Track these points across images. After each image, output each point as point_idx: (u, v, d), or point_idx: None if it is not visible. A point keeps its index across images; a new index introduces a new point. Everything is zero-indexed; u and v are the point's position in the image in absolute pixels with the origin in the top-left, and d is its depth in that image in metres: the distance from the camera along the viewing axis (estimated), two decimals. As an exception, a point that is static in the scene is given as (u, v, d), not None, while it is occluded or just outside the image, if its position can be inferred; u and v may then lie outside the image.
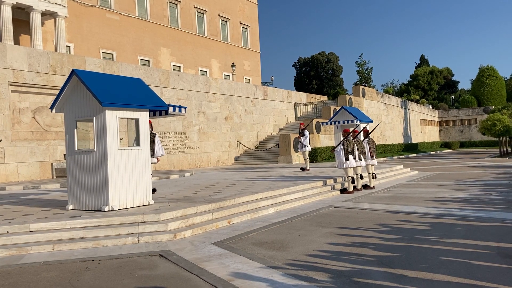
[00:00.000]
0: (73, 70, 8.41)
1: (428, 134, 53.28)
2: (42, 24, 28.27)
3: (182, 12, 39.69)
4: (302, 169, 17.71)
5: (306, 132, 18.10)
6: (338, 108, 23.15)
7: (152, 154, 11.63)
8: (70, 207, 8.69)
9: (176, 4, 39.15)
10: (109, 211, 8.11)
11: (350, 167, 12.43)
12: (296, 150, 23.39)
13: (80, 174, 8.58)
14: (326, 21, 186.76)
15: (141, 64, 34.49)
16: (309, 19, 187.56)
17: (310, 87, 68.00)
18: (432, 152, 43.03)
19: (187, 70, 39.27)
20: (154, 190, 11.82)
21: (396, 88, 74.75)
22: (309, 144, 18.31)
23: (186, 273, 5.34)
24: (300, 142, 18.09)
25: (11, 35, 25.11)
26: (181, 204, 8.81)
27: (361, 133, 14.12)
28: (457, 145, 52.01)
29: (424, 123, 52.09)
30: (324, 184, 12.91)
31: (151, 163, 11.70)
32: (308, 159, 17.95)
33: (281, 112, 31.81)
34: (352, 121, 17.88)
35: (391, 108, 41.67)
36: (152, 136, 11.76)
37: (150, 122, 11.95)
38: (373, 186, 13.62)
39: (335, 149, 12.63)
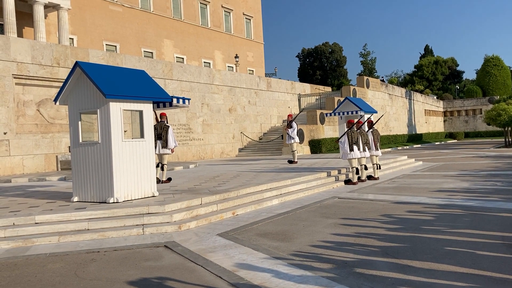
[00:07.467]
0: (76, 62, 8.40)
1: (433, 124, 53.06)
2: (45, 16, 28.21)
3: (185, 3, 39.50)
4: (290, 161, 17.38)
5: (294, 124, 17.82)
6: (342, 99, 23.03)
7: (166, 145, 11.78)
8: (75, 199, 8.73)
9: (179, -5, 38.97)
10: (114, 202, 8.14)
11: (355, 158, 12.41)
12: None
13: (84, 166, 8.60)
14: (330, 11, 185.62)
15: (144, 56, 34.42)
16: (313, 9, 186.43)
17: (314, 78, 67.71)
18: (436, 143, 42.89)
19: (191, 61, 39.18)
20: (169, 179, 12.05)
21: (401, 79, 74.34)
22: (297, 136, 18.08)
23: (191, 264, 5.36)
24: (288, 134, 17.91)
25: (15, 28, 25.09)
26: (186, 196, 8.83)
27: (366, 123, 14.07)
28: (461, 135, 51.81)
29: (428, 114, 51.85)
30: (328, 175, 12.90)
31: (165, 153, 11.87)
32: (296, 151, 17.61)
33: (285, 104, 31.72)
34: (356, 112, 17.80)
35: (396, 98, 41.47)
36: (166, 128, 11.87)
37: (164, 114, 12.02)
38: (378, 177, 13.60)
39: (340, 140, 12.61)
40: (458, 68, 74.13)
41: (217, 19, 43.20)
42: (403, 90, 44.85)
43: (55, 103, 8.86)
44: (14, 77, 16.76)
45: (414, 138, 41.33)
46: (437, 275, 4.57)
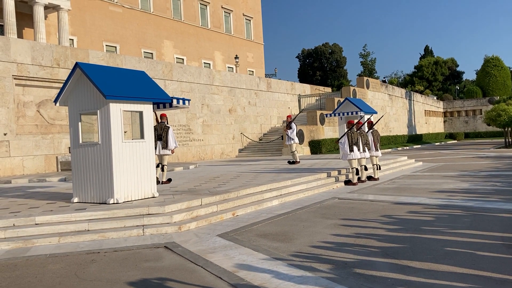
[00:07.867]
0: (76, 63, 8.41)
1: (433, 125, 53.08)
2: (45, 17, 28.23)
3: (185, 4, 39.53)
4: (290, 162, 17.32)
5: (293, 125, 17.76)
6: (342, 100, 23.03)
7: (166, 146, 11.77)
8: (75, 200, 8.73)
9: (179, -4, 38.99)
10: (114, 203, 8.14)
11: (355, 159, 12.41)
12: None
13: (85, 167, 8.61)
14: (330, 11, 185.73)
15: (144, 56, 34.44)
16: (313, 10, 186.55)
17: (314, 78, 67.74)
18: (436, 143, 42.89)
19: (191, 62, 39.19)
20: (169, 180, 12.03)
21: (401, 79, 74.35)
22: (296, 136, 18.01)
23: (191, 264, 5.36)
24: (287, 135, 17.88)
25: (15, 29, 25.10)
26: (186, 196, 8.83)
27: (365, 124, 14.07)
28: (461, 136, 51.82)
29: (428, 114, 51.87)
30: (329, 175, 12.90)
31: (166, 154, 11.85)
32: (296, 152, 17.53)
33: (284, 104, 31.73)
34: (356, 113, 17.81)
35: (396, 99, 41.49)
36: (166, 129, 11.87)
37: (164, 115, 12.03)
38: (378, 178, 13.60)
39: (340, 141, 12.61)
40: (458, 69, 74.14)
41: (217, 20, 43.23)
42: (403, 90, 44.87)
43: (55, 104, 8.87)
44: (14, 78, 16.77)
45: (414, 139, 41.34)
46: (437, 275, 4.57)
